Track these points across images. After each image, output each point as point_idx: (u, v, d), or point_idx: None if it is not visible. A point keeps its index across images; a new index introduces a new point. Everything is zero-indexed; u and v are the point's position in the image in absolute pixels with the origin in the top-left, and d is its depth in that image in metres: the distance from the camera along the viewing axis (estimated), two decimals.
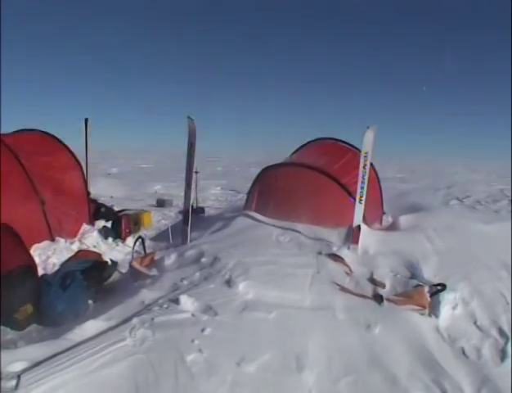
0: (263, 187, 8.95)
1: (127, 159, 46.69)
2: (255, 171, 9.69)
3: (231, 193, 18.03)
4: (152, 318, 4.13)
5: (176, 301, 4.49)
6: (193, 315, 4.27)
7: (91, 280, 5.67)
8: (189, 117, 7.42)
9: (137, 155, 54.85)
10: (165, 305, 4.45)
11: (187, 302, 4.47)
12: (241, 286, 4.89)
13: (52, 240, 7.81)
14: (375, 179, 9.76)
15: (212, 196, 17.22)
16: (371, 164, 7.30)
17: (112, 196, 13.92)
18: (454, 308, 5.15)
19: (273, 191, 8.75)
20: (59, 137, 9.29)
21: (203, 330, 3.99)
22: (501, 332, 4.89)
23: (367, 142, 6.98)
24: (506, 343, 4.67)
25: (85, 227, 8.77)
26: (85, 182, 9.35)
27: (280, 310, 4.50)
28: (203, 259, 5.87)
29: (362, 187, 7.02)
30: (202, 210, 11.85)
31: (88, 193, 9.47)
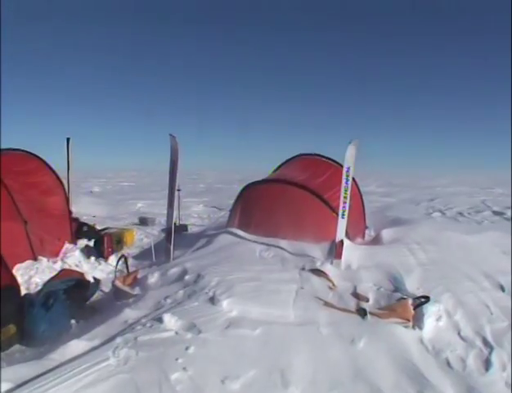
0: (246, 204, 8.97)
1: (108, 177, 46.58)
2: (238, 188, 9.71)
3: (214, 210, 17.97)
4: (135, 338, 4.09)
5: (159, 320, 4.46)
6: (177, 333, 4.25)
7: (73, 299, 5.61)
8: (171, 135, 7.44)
9: (119, 174, 54.74)
10: (148, 324, 4.42)
11: (171, 320, 4.45)
12: (225, 304, 4.88)
13: (35, 259, 7.73)
14: (357, 194, 9.83)
15: (194, 213, 17.15)
16: (353, 178, 7.36)
17: (94, 216, 13.83)
18: (438, 320, 5.18)
19: (256, 207, 8.77)
20: (41, 156, 9.23)
21: (187, 348, 3.95)
22: (486, 341, 4.92)
23: (349, 157, 7.04)
24: (491, 353, 4.70)
25: (67, 246, 8.71)
26: (67, 201, 9.30)
27: (264, 327, 4.49)
28: (186, 277, 5.86)
29: (345, 202, 7.07)
30: (185, 227, 11.82)
31: (70, 212, 9.42)
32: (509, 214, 18.20)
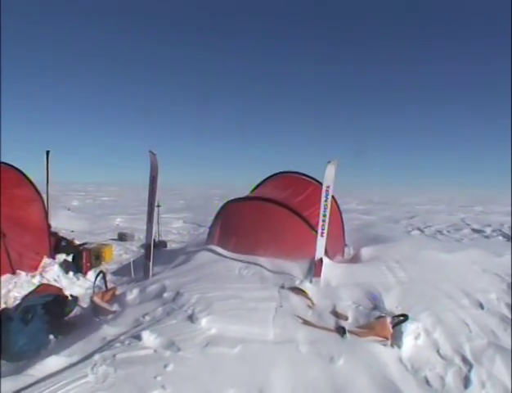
0: (226, 221, 8.96)
1: (88, 191, 46.37)
2: (218, 204, 9.72)
3: (194, 227, 17.94)
4: (114, 355, 4.06)
5: (138, 337, 4.43)
6: (155, 351, 4.22)
7: (52, 315, 5.55)
8: (151, 151, 7.42)
9: (100, 188, 54.50)
10: (127, 342, 4.39)
11: (150, 338, 4.42)
12: (204, 322, 4.86)
13: (13, 273, 7.65)
14: (336, 211, 9.87)
15: (174, 229, 17.11)
16: (333, 196, 7.39)
17: (73, 231, 13.74)
18: (416, 338, 5.21)
19: (235, 225, 8.78)
20: (21, 168, 9.13)
21: (166, 366, 3.93)
22: (465, 359, 4.96)
23: (329, 176, 7.08)
24: (470, 370, 4.74)
25: (46, 260, 8.61)
26: (46, 215, 9.22)
27: (243, 345, 4.48)
28: (165, 294, 5.83)
29: (324, 221, 7.11)
30: (164, 244, 11.80)
31: (49, 226, 9.33)
32: (488, 231, 18.39)
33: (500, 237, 16.72)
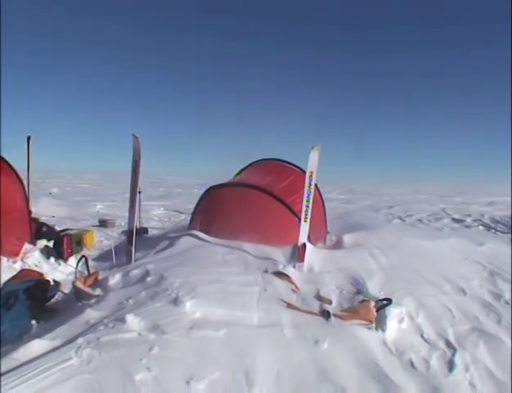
0: (208, 207, 8.94)
1: (68, 179, 46.05)
2: (198, 192, 9.71)
3: (174, 214, 17.89)
4: (98, 338, 4.02)
5: (122, 320, 4.39)
6: (140, 334, 4.18)
7: (34, 300, 5.49)
8: (134, 135, 7.35)
9: (78, 176, 54.17)
10: (111, 325, 4.34)
11: (134, 321, 4.38)
12: (188, 305, 4.83)
13: None
14: (319, 199, 9.91)
15: (155, 216, 17.06)
16: (315, 184, 7.39)
17: (54, 216, 13.63)
18: (400, 322, 5.26)
19: (218, 211, 8.76)
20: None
21: (151, 349, 3.90)
22: (448, 343, 5.02)
23: (312, 162, 7.08)
24: (454, 354, 4.78)
25: (27, 246, 8.52)
26: (27, 201, 9.10)
27: (228, 328, 4.47)
28: (148, 279, 5.79)
29: (307, 206, 7.11)
30: (145, 230, 11.72)
31: (30, 212, 9.22)
32: (469, 221, 18.55)
33: (481, 227, 16.88)
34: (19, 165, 9.17)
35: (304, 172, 7.38)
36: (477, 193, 41.49)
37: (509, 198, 24.46)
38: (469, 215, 20.33)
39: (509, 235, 13.64)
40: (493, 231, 15.86)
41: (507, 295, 6.63)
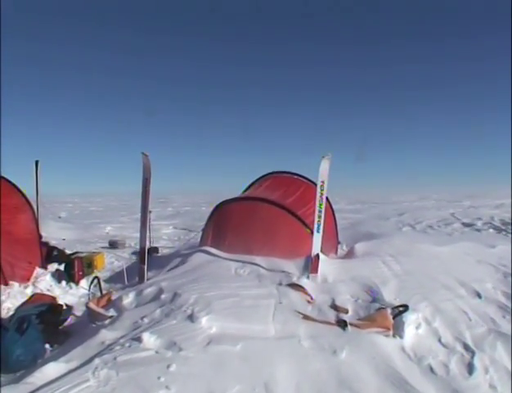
0: (219, 222, 8.92)
1: (75, 202, 46.22)
2: (206, 210, 9.70)
3: (184, 232, 17.85)
4: (115, 358, 3.99)
5: (138, 339, 4.37)
6: (157, 352, 4.16)
7: (47, 324, 5.47)
8: (143, 153, 7.35)
9: (85, 199, 54.36)
10: (127, 344, 4.32)
11: (150, 339, 4.36)
12: (204, 321, 4.80)
13: (6, 284, 7.52)
14: (329, 210, 9.87)
15: (164, 235, 17.02)
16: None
17: (64, 239, 13.64)
18: (417, 327, 5.23)
19: (229, 225, 8.73)
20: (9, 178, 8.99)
21: (168, 366, 3.87)
22: (466, 346, 5.00)
23: (323, 171, 7.05)
24: (472, 357, 4.75)
25: (38, 270, 8.51)
26: (37, 225, 9.11)
27: (245, 342, 4.44)
28: (162, 296, 5.76)
29: (319, 217, 7.07)
30: (156, 249, 11.70)
31: (40, 236, 9.23)
32: (479, 224, 18.47)
33: (491, 230, 16.80)
34: (27, 190, 9.18)
35: (314, 183, 7.36)
36: (485, 197, 41.37)
37: None
38: (479, 219, 20.26)
39: None
40: (504, 233, 15.81)
41: None
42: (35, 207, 9.40)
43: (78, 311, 6.40)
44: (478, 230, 17.05)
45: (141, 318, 5.08)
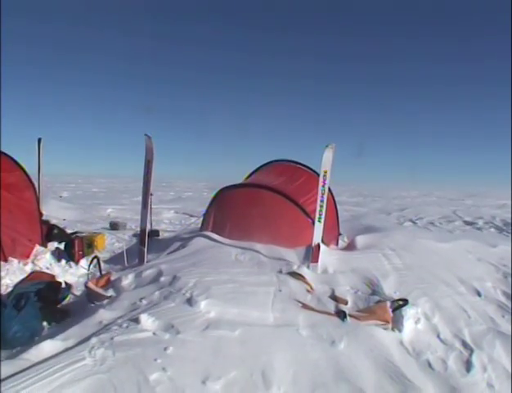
0: (220, 208, 8.90)
1: (78, 183, 46.26)
2: (208, 196, 9.69)
3: (185, 217, 17.86)
4: (112, 338, 3.97)
5: (136, 320, 4.34)
6: (154, 334, 4.14)
7: (45, 302, 5.45)
8: (146, 134, 7.33)
9: (88, 180, 54.41)
10: (125, 325, 4.29)
11: (148, 321, 4.34)
12: (203, 305, 4.78)
13: (5, 260, 7.52)
14: (331, 200, 9.82)
15: (166, 219, 17.03)
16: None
17: (65, 219, 13.63)
18: (416, 322, 5.21)
19: (230, 211, 8.71)
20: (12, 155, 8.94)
21: (165, 349, 3.85)
22: (465, 344, 4.98)
23: (326, 161, 7.02)
24: (471, 354, 4.74)
25: (38, 248, 8.49)
26: (38, 202, 9.08)
27: (243, 328, 4.41)
28: (162, 279, 5.74)
29: (321, 206, 7.04)
30: (157, 232, 11.68)
31: (41, 214, 9.21)
32: (480, 223, 18.46)
33: (493, 229, 16.81)
34: (28, 168, 9.14)
35: (316, 173, 7.33)
36: (487, 196, 41.37)
37: None
38: (481, 218, 20.28)
39: None
40: (505, 233, 15.79)
41: None
42: (36, 185, 9.36)
43: (77, 290, 6.40)
44: (480, 229, 17.08)
45: (140, 300, 5.06)
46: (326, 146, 7.00)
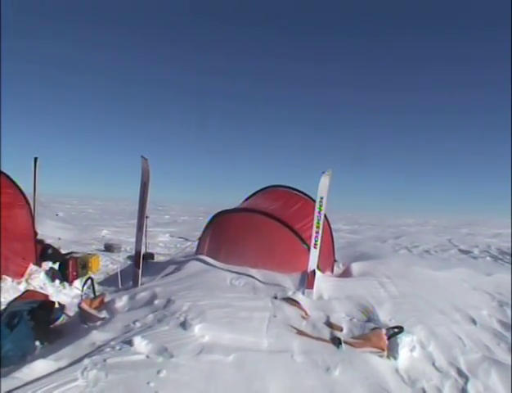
0: (216, 232, 8.89)
1: (73, 204, 46.24)
2: (204, 221, 9.68)
3: (180, 241, 17.84)
4: (104, 360, 3.94)
5: (129, 343, 4.31)
6: (147, 357, 4.10)
7: (38, 321, 5.41)
8: (142, 156, 7.33)
9: (83, 201, 54.41)
10: (118, 347, 4.26)
11: (141, 344, 4.30)
12: (197, 329, 4.75)
13: None
14: (327, 227, 9.83)
15: (161, 243, 16.99)
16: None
17: (60, 238, 13.60)
18: (412, 350, 5.18)
19: (226, 236, 8.70)
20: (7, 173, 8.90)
21: (158, 372, 3.81)
22: (460, 372, 4.94)
23: (323, 187, 7.02)
24: (466, 383, 4.70)
25: (32, 267, 8.45)
26: (33, 221, 9.05)
27: (237, 353, 4.38)
28: (156, 302, 5.72)
29: (317, 233, 7.03)
30: (151, 255, 11.65)
31: (36, 233, 9.17)
32: (476, 252, 18.48)
33: (488, 258, 16.81)
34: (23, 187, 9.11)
35: (312, 199, 7.33)
36: (483, 225, 41.50)
37: None
38: (476, 246, 20.31)
39: None
40: (501, 262, 15.80)
41: None
42: (32, 205, 9.33)
43: (71, 311, 6.34)
44: (475, 257, 17.08)
45: (133, 322, 5.03)
46: (323, 172, 7.01)
